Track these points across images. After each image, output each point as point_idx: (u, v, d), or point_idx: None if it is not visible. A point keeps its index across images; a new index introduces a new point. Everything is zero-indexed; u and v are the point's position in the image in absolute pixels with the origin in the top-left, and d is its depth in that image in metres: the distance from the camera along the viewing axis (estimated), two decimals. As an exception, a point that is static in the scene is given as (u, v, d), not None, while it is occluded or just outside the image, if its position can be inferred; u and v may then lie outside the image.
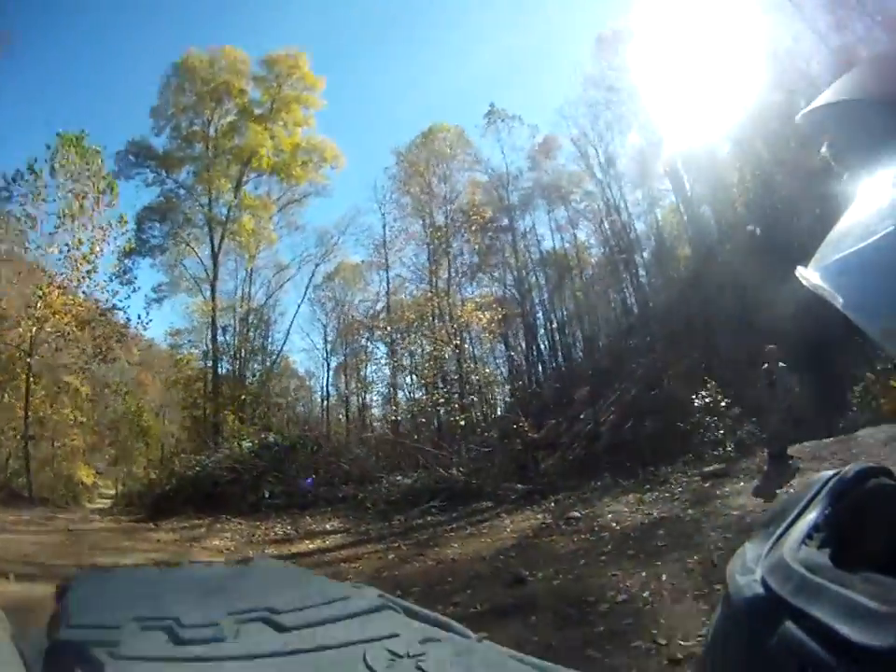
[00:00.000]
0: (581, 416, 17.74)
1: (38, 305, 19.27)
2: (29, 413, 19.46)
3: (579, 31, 35.36)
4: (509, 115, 27.61)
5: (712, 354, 14.45)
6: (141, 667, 1.01)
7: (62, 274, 20.27)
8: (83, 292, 20.79)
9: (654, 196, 26.83)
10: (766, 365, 8.82)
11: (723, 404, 12.11)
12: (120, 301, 22.06)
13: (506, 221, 28.58)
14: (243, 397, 24.95)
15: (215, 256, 26.10)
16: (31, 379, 19.48)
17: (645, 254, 27.38)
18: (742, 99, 19.03)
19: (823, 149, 0.61)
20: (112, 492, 28.67)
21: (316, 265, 28.55)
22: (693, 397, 12.57)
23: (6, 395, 19.63)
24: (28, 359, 19.21)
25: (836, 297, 0.48)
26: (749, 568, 0.48)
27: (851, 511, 0.51)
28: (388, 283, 28.09)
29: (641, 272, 26.73)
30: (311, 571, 2.08)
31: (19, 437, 19.78)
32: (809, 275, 0.52)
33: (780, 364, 8.76)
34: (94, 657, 1.03)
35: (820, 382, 10.54)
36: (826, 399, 11.08)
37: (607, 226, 26.99)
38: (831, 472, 0.55)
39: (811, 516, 0.51)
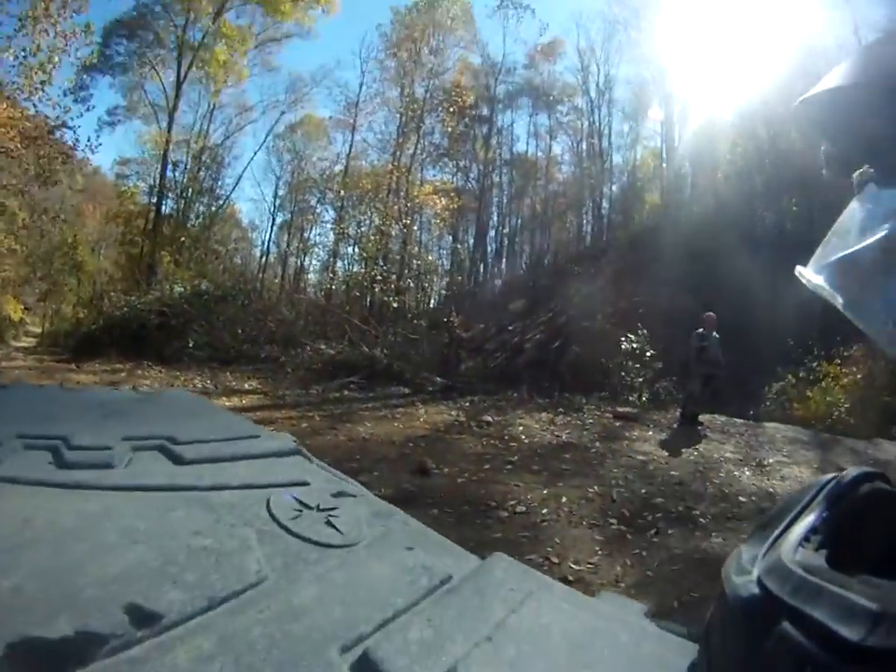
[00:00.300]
0: (511, 327, 18.08)
1: (-18, 116, 17.20)
2: None
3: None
4: (522, 4, 26.09)
5: (652, 305, 14.84)
6: (13, 491, 0.91)
7: (13, 83, 18.17)
8: (33, 105, 18.72)
9: (640, 134, 26.60)
10: (701, 330, 8.94)
11: (648, 354, 12.55)
12: (72, 119, 20.00)
13: (486, 112, 27.74)
14: (182, 239, 23.98)
15: (179, 83, 24.29)
16: None
17: (614, 187, 27.36)
18: (761, 77, 18.70)
19: (823, 149, 0.60)
20: (38, 330, 28.04)
21: (282, 112, 27.31)
22: (622, 339, 12.95)
23: None
24: None
25: (836, 296, 0.48)
26: (746, 569, 0.48)
27: (849, 515, 0.51)
28: (351, 146, 27.08)
29: (605, 203, 26.81)
30: (223, 408, 1.91)
31: None
32: (809, 274, 0.52)
33: (714, 334, 8.92)
34: None
35: (744, 366, 11.05)
36: (745, 383, 11.66)
37: (584, 147, 26.69)
38: (828, 476, 0.55)
39: (809, 519, 0.50)
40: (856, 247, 0.48)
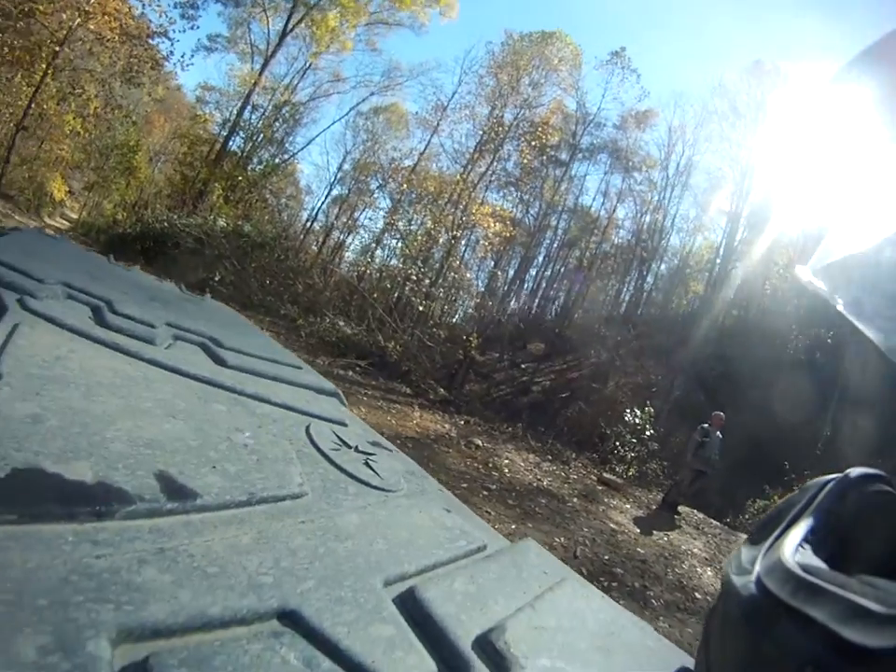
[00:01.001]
0: (524, 365, 18.18)
1: (91, 0, 17.53)
2: (32, 105, 17.95)
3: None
4: (631, 66, 26.38)
5: (666, 389, 14.87)
6: (48, 329, 0.86)
7: None
8: (142, 5, 19.08)
9: (703, 224, 26.58)
10: (706, 425, 8.95)
11: (649, 433, 12.52)
12: (173, 31, 20.34)
13: (564, 156, 27.88)
14: (239, 178, 24.09)
15: (284, 33, 24.51)
16: (50, 71, 17.79)
17: (663, 266, 27.39)
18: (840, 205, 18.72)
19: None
20: (75, 216, 27.90)
21: (372, 93, 27.46)
22: (628, 411, 12.94)
23: (18, 75, 17.93)
24: (56, 49, 17.46)
25: (835, 298, 0.49)
26: (746, 569, 0.48)
27: (848, 516, 0.52)
28: (427, 146, 27.16)
29: (650, 278, 26.79)
30: (272, 338, 1.83)
31: (12, 124, 18.36)
32: (808, 276, 0.52)
33: (718, 434, 8.93)
34: None
35: (736, 474, 10.99)
36: (732, 490, 11.61)
37: (647, 219, 26.71)
38: (828, 476, 0.55)
39: (809, 520, 0.50)
40: (855, 250, 0.49)
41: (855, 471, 0.55)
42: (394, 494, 0.85)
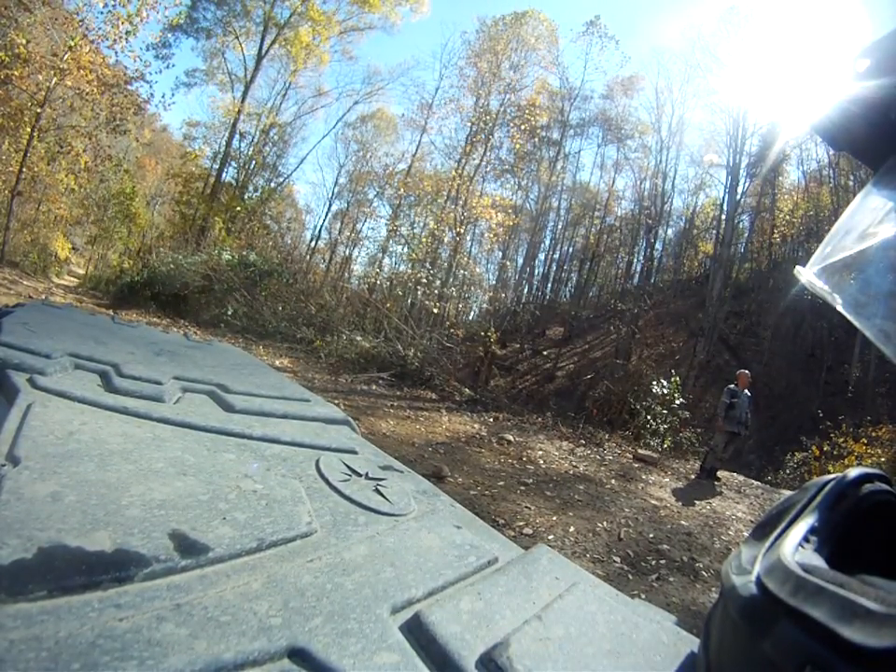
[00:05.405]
0: (546, 353, 18.13)
1: (65, 57, 17.77)
2: (24, 169, 18.25)
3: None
4: (608, 34, 26.20)
5: (689, 354, 14.74)
6: (59, 404, 0.90)
7: (99, 30, 18.71)
8: (115, 53, 19.33)
9: (704, 181, 26.24)
10: (733, 386, 8.90)
11: (678, 402, 12.47)
12: (150, 74, 20.80)
13: (556, 135, 27.73)
14: (238, 208, 24.30)
15: (259, 57, 24.79)
16: (35, 133, 18.14)
17: (670, 231, 27.10)
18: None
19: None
20: (82, 272, 28.20)
21: (356, 102, 27.79)
22: (654, 383, 12.91)
23: (6, 142, 18.27)
24: (38, 111, 17.82)
25: (835, 297, 0.50)
26: (745, 569, 0.48)
27: (849, 515, 0.52)
28: (419, 146, 27.27)
29: (658, 245, 26.54)
30: (277, 371, 1.87)
31: (7, 191, 18.69)
32: (808, 275, 0.53)
33: (746, 392, 8.88)
34: (9, 380, 0.95)
35: (770, 430, 10.90)
36: (768, 447, 11.49)
37: (647, 186, 26.45)
38: (828, 476, 0.56)
39: (808, 519, 0.51)
40: (855, 249, 0.49)
41: (854, 471, 0.56)
42: (403, 518, 0.87)
